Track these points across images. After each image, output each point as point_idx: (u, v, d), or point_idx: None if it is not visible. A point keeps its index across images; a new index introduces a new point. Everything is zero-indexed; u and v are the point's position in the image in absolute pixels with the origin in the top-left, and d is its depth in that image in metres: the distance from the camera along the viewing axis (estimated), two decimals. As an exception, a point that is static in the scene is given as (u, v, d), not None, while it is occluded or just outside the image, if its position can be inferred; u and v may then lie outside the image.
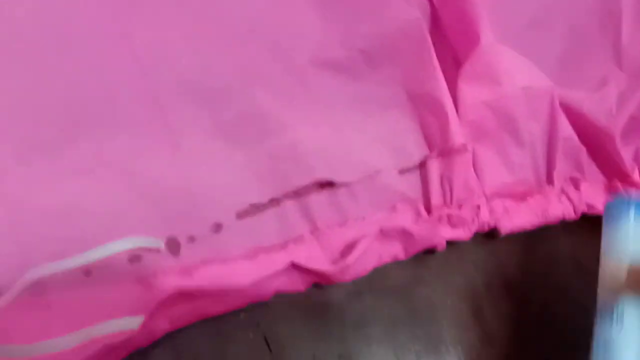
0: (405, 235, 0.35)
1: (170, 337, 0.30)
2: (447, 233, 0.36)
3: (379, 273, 0.35)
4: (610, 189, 0.44)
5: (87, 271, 0.29)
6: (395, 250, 0.35)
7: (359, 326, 0.34)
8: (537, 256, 0.40)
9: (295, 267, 0.32)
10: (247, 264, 0.31)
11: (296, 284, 0.33)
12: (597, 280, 0.29)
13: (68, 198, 0.30)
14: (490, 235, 0.39)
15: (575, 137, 0.41)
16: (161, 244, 0.30)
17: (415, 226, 0.34)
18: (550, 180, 0.41)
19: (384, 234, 0.34)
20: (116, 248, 0.29)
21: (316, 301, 0.34)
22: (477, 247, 0.38)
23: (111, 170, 0.31)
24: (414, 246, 0.35)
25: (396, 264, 0.36)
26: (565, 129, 0.41)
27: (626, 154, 0.43)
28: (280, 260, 0.32)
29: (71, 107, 0.30)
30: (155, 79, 0.32)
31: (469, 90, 0.38)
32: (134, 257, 0.30)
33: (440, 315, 0.36)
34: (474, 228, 0.37)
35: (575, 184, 0.43)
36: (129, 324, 0.27)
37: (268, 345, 0.32)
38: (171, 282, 0.29)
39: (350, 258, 0.33)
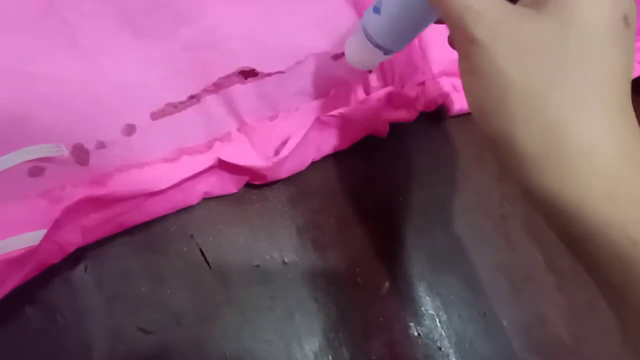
0: (344, 121, 0.31)
1: (92, 257, 0.27)
2: (389, 115, 0.32)
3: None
4: None
5: (-20, 188, 0.25)
6: (335, 140, 0.32)
7: (301, 231, 0.31)
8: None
9: (223, 166, 0.29)
10: (167, 167, 0.28)
11: (227, 185, 0.30)
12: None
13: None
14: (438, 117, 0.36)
15: None
16: (64, 151, 0.26)
17: (353, 110, 0.31)
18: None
19: (321, 122, 0.31)
20: (11, 161, 0.26)
21: (251, 203, 0.31)
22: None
23: (5, 73, 0.27)
24: (353, 133, 0.32)
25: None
26: None
27: None
28: (206, 162, 0.29)
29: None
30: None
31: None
32: (36, 170, 0.26)
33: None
34: (419, 107, 0.34)
35: None
36: (34, 238, 0.24)
37: (205, 259, 0.29)
38: (80, 193, 0.26)
39: (284, 151, 0.30)
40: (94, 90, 0.28)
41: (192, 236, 0.29)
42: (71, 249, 0.26)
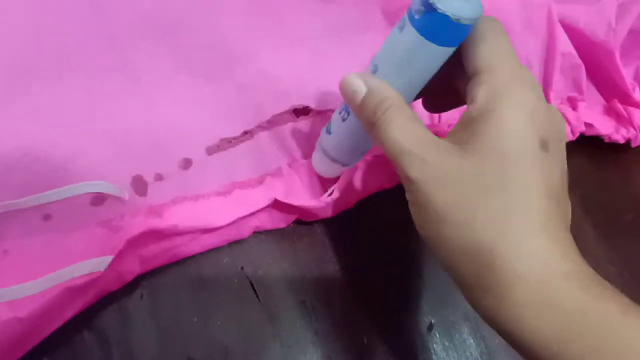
0: (389, 161, 0.32)
1: (147, 286, 0.28)
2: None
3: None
4: (610, 111, 0.41)
5: (46, 216, 0.26)
6: (381, 180, 0.32)
7: (347, 269, 0.31)
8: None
9: (276, 205, 0.30)
10: (222, 201, 0.29)
11: (277, 221, 0.30)
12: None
13: (24, 142, 0.27)
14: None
15: (575, 53, 0.38)
16: (125, 194, 0.28)
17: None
18: (547, 100, 0.38)
19: (367, 162, 0.32)
20: (76, 191, 0.27)
21: (300, 238, 0.31)
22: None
23: (68, 110, 0.28)
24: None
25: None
26: (564, 44, 0.38)
27: (627, 74, 0.40)
28: (258, 196, 0.30)
29: (21, 51, 0.28)
30: (109, 14, 0.29)
31: None
32: (98, 199, 0.27)
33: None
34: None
35: (573, 104, 0.40)
36: (95, 266, 0.25)
37: (255, 293, 0.30)
38: (138, 222, 0.27)
39: (336, 193, 0.30)
40: (152, 127, 0.29)
41: (242, 269, 0.30)
42: (130, 278, 0.27)
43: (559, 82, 0.38)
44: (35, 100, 0.28)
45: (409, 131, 0.21)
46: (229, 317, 0.28)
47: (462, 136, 0.21)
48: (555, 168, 0.21)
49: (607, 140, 0.39)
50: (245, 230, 0.29)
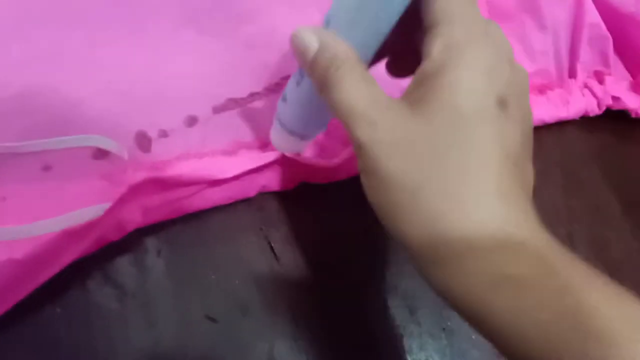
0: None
1: (165, 241, 0.28)
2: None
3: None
4: (637, 86, 0.40)
5: (46, 167, 0.26)
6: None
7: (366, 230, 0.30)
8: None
9: (283, 162, 0.29)
10: (225, 160, 0.28)
11: (284, 181, 0.29)
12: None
13: (24, 89, 0.27)
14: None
15: (603, 25, 0.37)
16: (124, 151, 0.27)
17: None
18: (573, 73, 0.37)
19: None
20: (74, 142, 0.26)
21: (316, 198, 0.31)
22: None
23: (69, 58, 0.27)
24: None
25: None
26: (592, 14, 0.36)
27: None
28: (264, 155, 0.29)
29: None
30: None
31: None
32: (100, 153, 0.27)
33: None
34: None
35: (600, 78, 0.38)
36: (95, 214, 0.24)
37: (273, 251, 0.29)
38: (140, 177, 0.26)
39: (344, 153, 0.29)
40: (157, 80, 0.29)
41: (261, 229, 0.29)
42: (131, 228, 0.26)
43: (586, 54, 0.36)
44: (35, 47, 0.27)
45: (360, 91, 0.20)
46: (247, 276, 0.28)
47: (416, 96, 0.19)
48: (514, 128, 0.19)
49: (633, 115, 0.38)
50: (252, 189, 0.28)
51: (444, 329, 0.29)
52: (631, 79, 0.40)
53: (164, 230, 0.28)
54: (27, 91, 0.26)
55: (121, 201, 0.24)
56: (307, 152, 0.30)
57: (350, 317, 0.28)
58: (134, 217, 0.26)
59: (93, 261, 0.26)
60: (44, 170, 0.26)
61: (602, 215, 0.33)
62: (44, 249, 0.22)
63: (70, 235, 0.23)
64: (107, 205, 0.24)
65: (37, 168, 0.26)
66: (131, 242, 0.27)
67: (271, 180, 0.29)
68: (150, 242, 0.27)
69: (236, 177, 0.28)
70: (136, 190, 0.25)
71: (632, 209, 0.35)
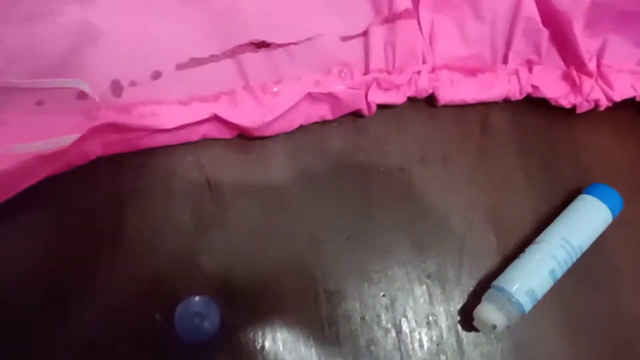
0: (332, 97, 0.36)
1: (122, 169, 0.36)
2: (377, 97, 0.37)
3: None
4: (567, 76, 0.41)
5: (39, 102, 0.34)
6: (322, 112, 0.37)
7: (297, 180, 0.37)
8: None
9: (220, 119, 0.36)
10: (179, 108, 0.35)
11: (222, 132, 0.36)
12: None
13: (28, 40, 0.34)
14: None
15: (538, 19, 0.40)
16: (95, 95, 0.34)
17: (342, 90, 0.36)
18: (505, 59, 0.40)
19: (312, 96, 0.36)
20: (63, 84, 0.34)
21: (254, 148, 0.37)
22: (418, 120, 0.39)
23: (59, 16, 0.34)
24: (340, 109, 0.37)
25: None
26: (529, 8, 0.40)
27: (589, 45, 0.40)
28: (209, 109, 0.35)
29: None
30: None
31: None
32: (82, 95, 0.35)
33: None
34: (408, 92, 0.37)
35: (530, 66, 0.41)
36: (62, 142, 0.32)
37: (209, 185, 0.36)
38: (110, 115, 0.34)
39: (268, 117, 0.35)
40: (136, 40, 0.35)
41: (203, 167, 0.37)
42: (93, 157, 0.34)
43: (519, 44, 0.39)
44: (32, 9, 0.34)
45: None
46: (184, 202, 0.36)
47: None
48: None
49: (553, 104, 0.41)
50: (194, 135, 0.36)
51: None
52: (565, 68, 0.42)
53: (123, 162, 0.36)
54: (32, 42, 0.34)
55: (85, 137, 0.32)
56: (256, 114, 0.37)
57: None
58: (96, 149, 0.34)
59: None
60: (37, 105, 0.34)
61: (509, 186, 0.38)
62: (19, 168, 0.31)
63: (43, 158, 0.31)
64: (74, 136, 0.32)
65: (32, 102, 0.34)
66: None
67: (212, 130, 0.36)
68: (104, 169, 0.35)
69: (181, 126, 0.35)
70: (98, 130, 0.33)
71: (539, 185, 0.39)
